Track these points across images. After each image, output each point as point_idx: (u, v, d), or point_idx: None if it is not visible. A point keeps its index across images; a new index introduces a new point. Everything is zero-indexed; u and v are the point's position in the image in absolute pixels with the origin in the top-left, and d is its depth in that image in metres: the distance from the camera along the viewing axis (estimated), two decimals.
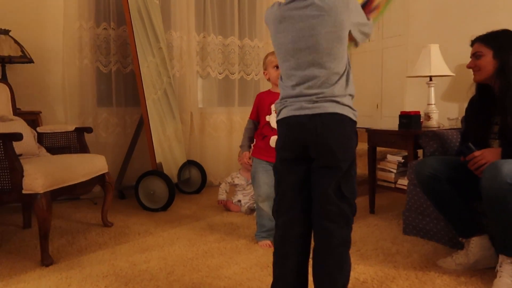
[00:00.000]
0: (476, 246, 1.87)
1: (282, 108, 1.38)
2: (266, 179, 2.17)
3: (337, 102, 1.31)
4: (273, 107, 2.15)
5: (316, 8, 1.29)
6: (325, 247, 1.35)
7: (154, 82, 3.22)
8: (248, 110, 3.97)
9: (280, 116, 1.39)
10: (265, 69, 2.24)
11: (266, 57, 2.23)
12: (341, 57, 1.32)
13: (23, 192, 1.98)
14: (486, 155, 1.78)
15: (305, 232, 1.42)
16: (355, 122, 1.36)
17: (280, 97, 1.40)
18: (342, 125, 1.32)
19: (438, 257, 2.00)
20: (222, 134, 3.94)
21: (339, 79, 1.32)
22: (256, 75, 4.07)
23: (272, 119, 2.18)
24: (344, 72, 1.33)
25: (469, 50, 1.99)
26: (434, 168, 1.96)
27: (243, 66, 4.02)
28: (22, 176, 1.98)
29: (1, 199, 2.04)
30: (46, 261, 1.99)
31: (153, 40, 3.32)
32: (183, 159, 3.54)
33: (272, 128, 2.18)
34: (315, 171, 1.36)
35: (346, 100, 1.33)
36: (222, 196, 3.01)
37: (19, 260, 2.06)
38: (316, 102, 1.31)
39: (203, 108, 3.93)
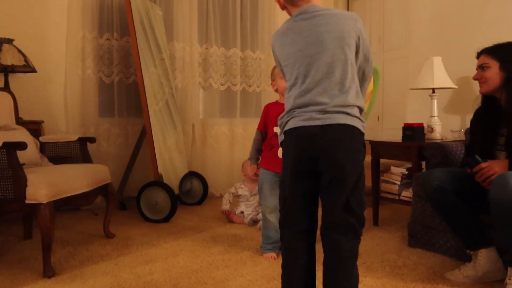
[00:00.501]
0: (484, 258, 1.86)
1: (290, 119, 1.36)
2: (274, 190, 2.15)
3: (347, 113, 1.30)
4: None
5: (324, 17, 1.31)
6: (334, 260, 1.34)
7: (155, 93, 3.22)
8: (249, 121, 4.03)
9: (288, 127, 1.35)
10: (273, 80, 2.24)
11: (274, 68, 2.23)
12: (350, 65, 1.31)
13: (26, 202, 1.95)
14: (494, 167, 1.78)
15: (311, 245, 1.42)
16: (363, 134, 1.35)
17: (286, 109, 1.37)
18: (353, 137, 1.31)
19: (445, 270, 1.98)
20: (224, 145, 3.93)
21: (349, 88, 1.31)
22: (257, 87, 4.08)
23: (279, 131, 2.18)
24: (353, 81, 1.33)
25: (470, 63, 2.00)
26: (441, 180, 1.96)
27: (245, 78, 4.04)
28: (26, 185, 1.96)
29: (3, 208, 2.01)
30: (49, 272, 1.96)
31: (155, 51, 3.33)
32: (185, 170, 3.52)
33: None
34: (323, 184, 1.34)
35: (356, 112, 1.32)
36: (226, 206, 2.99)
37: (20, 271, 2.03)
38: (327, 112, 1.29)
39: (205, 119, 3.93)
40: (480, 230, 1.91)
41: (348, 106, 1.30)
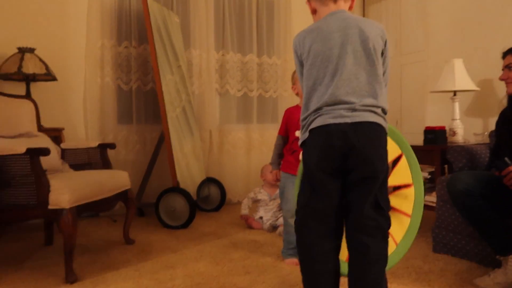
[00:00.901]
0: None
1: (317, 117, 1.33)
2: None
3: (375, 112, 1.32)
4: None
5: (354, 21, 1.35)
6: (363, 262, 1.30)
7: (172, 100, 3.23)
8: (266, 127, 4.02)
9: (316, 124, 1.32)
10: (293, 83, 2.23)
11: (295, 72, 2.22)
12: (376, 68, 1.32)
13: (49, 207, 1.97)
14: None
15: (337, 248, 1.39)
16: (386, 133, 1.37)
17: (312, 109, 1.35)
18: (381, 135, 1.33)
19: (473, 276, 1.92)
20: (241, 151, 3.92)
21: (375, 89, 1.32)
22: (274, 92, 4.08)
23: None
24: (379, 83, 1.33)
25: (492, 65, 1.97)
26: (467, 183, 1.91)
27: (262, 84, 4.03)
28: (49, 191, 1.97)
29: (26, 214, 2.03)
30: (71, 278, 1.96)
31: (172, 58, 3.36)
32: (202, 177, 3.51)
33: None
34: (353, 183, 1.32)
35: (381, 112, 1.34)
36: (245, 211, 2.98)
37: (42, 277, 2.03)
38: (355, 110, 1.29)
39: (222, 125, 3.93)
40: (510, 235, 1.85)
41: (374, 106, 1.32)
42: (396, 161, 1.66)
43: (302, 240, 1.39)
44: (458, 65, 2.91)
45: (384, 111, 1.35)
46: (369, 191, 1.30)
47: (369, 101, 1.30)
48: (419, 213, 1.67)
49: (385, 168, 1.32)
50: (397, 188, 1.69)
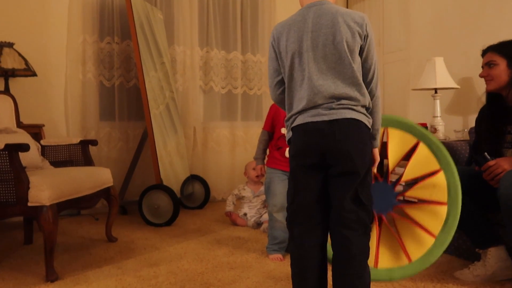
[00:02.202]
0: (494, 257, 1.84)
1: (298, 116, 1.36)
2: (282, 188, 2.13)
3: (353, 109, 1.32)
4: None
5: (328, 16, 1.33)
6: (345, 256, 1.32)
7: (156, 97, 3.20)
8: (250, 124, 4.01)
9: (296, 123, 1.36)
10: None
11: None
12: (352, 64, 1.31)
13: (29, 204, 1.92)
14: (502, 164, 1.77)
15: (323, 243, 1.40)
16: (369, 129, 1.37)
17: (295, 110, 1.37)
18: (359, 130, 1.33)
19: (454, 269, 1.96)
20: (225, 148, 3.91)
21: (353, 86, 1.32)
22: (258, 90, 4.07)
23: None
24: (357, 79, 1.32)
25: (471, 63, 2.00)
26: None
27: (246, 81, 4.03)
28: (28, 187, 1.93)
29: (5, 212, 1.98)
30: (51, 276, 1.92)
31: (155, 54, 3.32)
32: (186, 174, 3.49)
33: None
34: (333, 178, 1.34)
35: (360, 108, 1.34)
36: (230, 207, 2.98)
37: (22, 276, 1.99)
38: (333, 109, 1.31)
39: (206, 123, 3.91)
40: (489, 229, 1.89)
41: (352, 104, 1.32)
42: (412, 151, 1.59)
43: (291, 236, 1.41)
44: (439, 63, 2.96)
45: (366, 108, 1.36)
46: (349, 186, 1.31)
47: (346, 101, 1.31)
48: (456, 199, 1.57)
49: (366, 163, 1.33)
50: (420, 179, 1.60)
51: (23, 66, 2.91)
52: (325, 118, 1.30)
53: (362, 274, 1.31)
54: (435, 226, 1.58)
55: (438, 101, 2.97)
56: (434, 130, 2.90)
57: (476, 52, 2.05)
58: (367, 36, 1.33)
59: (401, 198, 1.68)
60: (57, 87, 3.32)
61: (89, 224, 3.02)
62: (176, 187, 3.19)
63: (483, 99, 2.10)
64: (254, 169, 2.84)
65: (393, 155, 1.61)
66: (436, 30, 3.42)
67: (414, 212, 1.61)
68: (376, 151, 1.44)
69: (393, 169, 1.64)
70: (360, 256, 1.31)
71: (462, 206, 1.90)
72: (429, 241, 1.59)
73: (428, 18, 3.50)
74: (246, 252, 2.30)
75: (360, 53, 1.34)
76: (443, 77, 2.92)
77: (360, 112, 1.33)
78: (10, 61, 2.84)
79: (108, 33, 3.47)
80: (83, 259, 2.22)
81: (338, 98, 1.31)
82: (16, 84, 3.10)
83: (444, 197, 1.58)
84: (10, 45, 2.93)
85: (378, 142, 1.43)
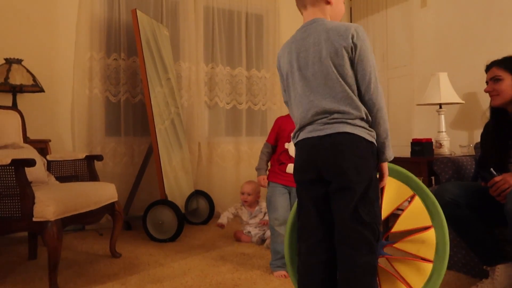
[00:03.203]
0: (502, 274, 1.81)
1: (300, 133, 1.39)
2: (283, 202, 2.14)
3: (348, 123, 1.29)
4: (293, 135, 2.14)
5: (317, 34, 1.34)
6: (348, 276, 1.28)
7: (161, 112, 3.22)
8: (255, 140, 4.02)
9: (297, 139, 1.39)
10: None
11: None
12: (342, 78, 1.30)
13: (34, 219, 1.93)
14: (509, 180, 1.75)
15: (328, 259, 1.36)
16: (371, 143, 1.31)
17: (297, 127, 1.40)
18: (353, 144, 1.28)
19: (462, 287, 1.93)
20: (230, 164, 3.91)
21: (346, 100, 1.29)
22: (263, 105, 4.10)
23: (290, 147, 2.16)
24: (350, 93, 1.30)
25: (476, 78, 2.00)
26: (454, 194, 1.92)
27: (251, 96, 4.05)
28: (34, 203, 1.94)
29: (10, 227, 1.98)
30: None
31: (161, 70, 3.36)
32: (190, 189, 3.49)
33: (290, 156, 2.16)
34: (332, 195, 1.32)
35: (358, 122, 1.30)
36: (223, 220, 2.93)
37: None
38: (327, 123, 1.30)
39: (211, 138, 3.92)
40: (496, 245, 1.86)
41: (347, 118, 1.29)
42: (409, 202, 1.58)
43: (298, 252, 1.40)
44: (443, 78, 2.97)
45: (364, 120, 1.31)
46: (347, 203, 1.27)
47: (339, 115, 1.29)
48: (443, 257, 1.54)
49: (362, 178, 1.28)
50: (413, 232, 1.58)
51: (31, 82, 2.95)
52: (319, 133, 1.30)
53: None
54: (418, 282, 1.55)
55: (443, 116, 2.98)
56: (440, 146, 2.89)
57: (480, 67, 2.05)
58: (356, 46, 1.28)
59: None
60: (64, 103, 3.36)
61: (93, 239, 3.01)
62: (180, 203, 3.19)
63: (488, 114, 2.09)
64: (242, 193, 2.92)
65: (387, 204, 1.58)
66: (440, 45, 3.44)
67: (399, 265, 1.57)
68: (384, 166, 1.39)
69: (385, 218, 1.60)
70: (365, 276, 1.27)
71: (468, 221, 1.89)
72: (427, 267, 1.56)
73: (432, 33, 3.52)
74: (250, 268, 2.28)
75: (352, 65, 1.30)
76: (447, 92, 2.93)
77: (357, 126, 1.29)
78: (18, 77, 2.88)
79: (115, 49, 3.52)
80: (87, 275, 2.21)
81: (330, 112, 1.30)
82: (23, 100, 3.14)
83: (431, 255, 1.56)
84: (19, 61, 2.98)
85: (387, 156, 1.36)
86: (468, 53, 3.18)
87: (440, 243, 1.55)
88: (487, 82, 1.97)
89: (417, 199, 1.57)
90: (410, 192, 1.57)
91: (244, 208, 2.95)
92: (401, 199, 1.58)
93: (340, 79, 1.30)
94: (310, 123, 1.34)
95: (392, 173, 1.54)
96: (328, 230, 1.35)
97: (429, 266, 1.55)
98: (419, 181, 1.57)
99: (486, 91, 1.97)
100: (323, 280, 1.35)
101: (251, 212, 2.92)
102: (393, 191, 1.57)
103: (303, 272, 1.38)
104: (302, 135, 1.36)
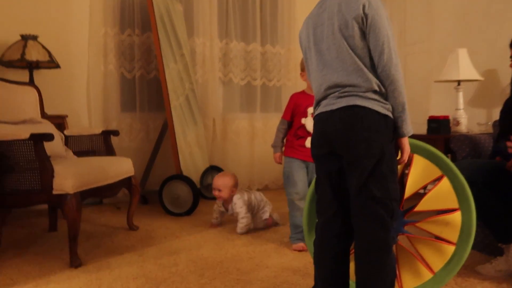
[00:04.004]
0: None
1: (317, 107, 1.40)
2: (302, 176, 2.15)
3: (359, 95, 1.27)
4: (309, 110, 2.13)
5: (331, 4, 1.33)
6: (360, 251, 1.30)
7: (175, 88, 3.23)
8: (269, 116, 4.01)
9: (315, 114, 1.41)
10: (302, 70, 2.20)
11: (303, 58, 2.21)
12: (355, 49, 1.28)
13: (53, 192, 1.98)
14: None
15: (343, 234, 1.37)
16: (384, 116, 1.27)
17: (315, 101, 1.41)
18: (364, 118, 1.26)
19: (475, 264, 1.93)
20: (244, 140, 3.93)
21: (359, 72, 1.27)
22: (278, 81, 4.07)
23: (308, 122, 2.15)
24: (363, 64, 1.28)
25: (497, 55, 1.95)
26: (470, 172, 1.89)
27: (265, 72, 4.02)
28: (53, 176, 1.98)
29: (31, 199, 2.04)
30: (75, 262, 1.97)
31: (175, 46, 3.34)
32: (205, 165, 3.52)
33: (308, 132, 2.15)
34: (346, 170, 1.32)
35: (370, 94, 1.27)
36: (214, 220, 2.69)
37: (47, 261, 2.05)
38: (340, 97, 1.29)
39: (225, 114, 3.93)
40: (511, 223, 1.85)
41: (358, 91, 1.27)
42: (435, 182, 1.55)
43: (316, 226, 1.43)
44: (463, 55, 2.89)
45: (376, 92, 1.27)
46: (358, 178, 1.26)
47: (351, 88, 1.28)
48: (467, 242, 1.52)
49: (373, 153, 1.25)
50: (437, 212, 1.57)
51: (47, 58, 2.97)
52: (331, 107, 1.30)
53: (379, 271, 1.26)
54: (437, 263, 1.54)
55: (461, 93, 2.92)
56: (457, 123, 2.84)
57: (501, 43, 2.00)
58: (367, 16, 1.25)
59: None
60: (79, 79, 3.39)
61: (111, 213, 3.08)
62: (195, 178, 3.23)
63: (507, 91, 2.05)
64: (213, 188, 2.59)
65: (413, 182, 1.55)
66: (460, 21, 3.34)
67: (419, 245, 1.56)
68: (403, 141, 1.33)
69: (409, 197, 1.58)
70: (377, 253, 1.27)
71: (483, 199, 1.87)
72: (426, 275, 1.55)
73: (452, 8, 3.41)
74: (265, 242, 2.32)
75: (365, 36, 1.27)
76: (466, 69, 2.86)
77: (370, 98, 1.26)
78: (34, 54, 2.91)
79: (129, 25, 3.51)
80: (106, 247, 2.28)
81: (342, 86, 1.29)
82: (40, 76, 3.17)
83: (454, 237, 1.53)
84: (34, 37, 2.99)
85: (404, 131, 1.30)
86: (489, 29, 3.08)
87: (466, 227, 1.52)
88: (511, 57, 1.91)
89: (445, 180, 1.53)
90: (438, 173, 1.53)
91: (223, 206, 2.64)
92: (428, 179, 1.54)
93: (351, 51, 1.28)
94: (324, 97, 1.34)
95: (421, 152, 1.52)
96: (343, 205, 1.36)
97: (450, 249, 1.53)
98: (449, 161, 1.52)
99: None
100: (337, 254, 1.37)
101: (227, 208, 2.61)
102: (420, 170, 1.54)
103: (319, 245, 1.40)
104: (318, 110, 1.37)
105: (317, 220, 1.43)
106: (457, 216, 1.53)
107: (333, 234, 1.37)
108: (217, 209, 2.68)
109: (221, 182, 2.57)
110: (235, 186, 2.59)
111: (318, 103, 1.39)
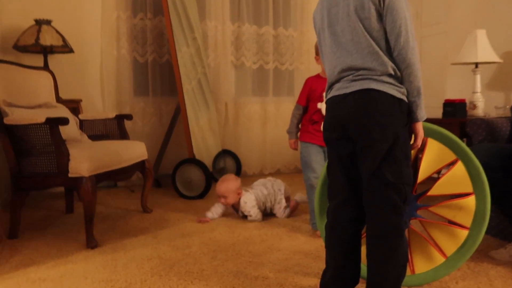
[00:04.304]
0: None
1: (330, 91, 1.38)
2: (320, 160, 2.15)
3: (373, 79, 1.25)
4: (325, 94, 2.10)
5: None
6: (373, 235, 1.29)
7: (188, 73, 3.22)
8: (282, 100, 3.99)
9: (327, 97, 1.39)
10: (316, 53, 2.17)
11: None
12: (370, 32, 1.25)
13: (69, 175, 2.02)
14: None
15: (354, 218, 1.37)
16: (399, 100, 1.26)
17: (328, 84, 1.39)
18: (379, 102, 1.24)
19: (489, 248, 1.91)
20: (256, 124, 3.93)
21: (373, 55, 1.25)
22: (290, 65, 4.03)
23: (323, 107, 2.13)
24: (377, 48, 1.25)
25: None
26: (486, 156, 1.86)
27: (278, 56, 3.99)
28: (68, 159, 2.02)
29: (48, 182, 2.09)
30: (91, 243, 2.02)
31: (187, 30, 3.33)
32: (218, 149, 3.54)
33: (323, 116, 2.13)
34: (358, 154, 1.31)
35: (385, 78, 1.25)
36: (208, 214, 2.49)
37: (65, 242, 2.11)
38: (354, 80, 1.27)
39: (237, 98, 3.92)
40: None
41: (373, 74, 1.25)
42: (449, 166, 1.53)
43: (328, 210, 1.43)
44: (481, 36, 2.81)
45: (392, 76, 1.25)
46: (371, 162, 1.25)
47: (365, 71, 1.26)
48: (481, 226, 1.49)
49: (387, 137, 1.24)
50: (451, 197, 1.55)
51: (61, 42, 2.99)
52: (345, 91, 1.29)
53: (391, 256, 1.26)
54: (450, 248, 1.53)
55: (478, 76, 2.85)
56: (474, 107, 2.79)
57: None
58: None
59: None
60: (92, 63, 3.41)
61: (125, 196, 3.14)
62: (208, 162, 3.25)
63: None
64: (218, 196, 2.46)
65: (426, 167, 1.53)
66: (478, 1, 3.24)
67: (432, 229, 1.54)
68: (418, 126, 1.31)
69: (422, 181, 1.55)
70: (389, 237, 1.26)
71: (500, 184, 1.84)
72: (439, 260, 1.54)
73: None
74: (277, 226, 2.34)
75: (381, 18, 1.24)
76: (484, 51, 2.79)
77: (384, 82, 1.24)
78: (48, 38, 2.93)
79: (141, 9, 3.50)
80: (120, 229, 2.32)
81: (356, 69, 1.27)
82: (54, 61, 3.20)
83: (468, 222, 1.51)
84: (48, 22, 3.01)
85: (418, 116, 1.28)
86: (509, 9, 2.98)
87: (480, 211, 1.50)
88: None
89: (459, 164, 1.51)
90: (452, 157, 1.51)
91: (232, 207, 2.54)
92: (442, 163, 1.52)
93: (366, 34, 1.25)
94: (337, 80, 1.33)
95: (436, 135, 1.50)
96: (354, 189, 1.36)
97: (464, 233, 1.52)
98: (464, 145, 1.50)
99: None
100: (349, 238, 1.37)
101: (237, 210, 2.51)
102: (434, 154, 1.52)
103: (330, 229, 1.41)
104: (331, 94, 1.36)
105: (328, 204, 1.43)
106: (471, 201, 1.51)
107: (344, 218, 1.37)
108: (218, 211, 2.50)
109: (224, 189, 2.43)
110: (240, 188, 2.46)
111: (330, 86, 1.37)
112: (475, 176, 1.51)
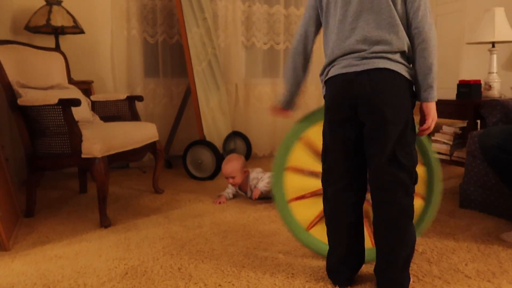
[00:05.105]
0: None
1: (330, 69, 1.31)
2: None
3: (387, 58, 1.22)
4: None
5: None
6: (384, 219, 1.29)
7: (198, 54, 3.20)
8: None
9: (328, 76, 1.32)
10: None
11: None
12: (389, 8, 1.22)
13: (82, 156, 2.05)
14: None
15: (357, 202, 1.37)
16: (409, 81, 1.25)
17: (327, 61, 1.32)
18: (394, 82, 1.22)
19: (500, 231, 1.91)
20: (267, 105, 3.90)
21: (390, 32, 1.22)
22: None
23: None
24: (395, 25, 1.22)
25: None
26: (500, 138, 1.84)
27: (289, 36, 3.93)
28: (81, 140, 2.04)
29: (61, 162, 2.12)
30: (105, 222, 2.06)
31: (197, 10, 3.29)
32: (228, 130, 3.54)
33: None
34: (367, 136, 1.27)
35: (398, 57, 1.23)
36: (223, 195, 2.52)
37: (79, 221, 2.15)
38: (365, 58, 1.23)
39: (248, 79, 3.89)
40: None
41: (387, 51, 1.22)
42: None
43: (325, 196, 1.41)
44: (499, 14, 2.73)
45: (404, 54, 1.24)
46: (383, 144, 1.23)
47: (380, 47, 1.21)
48: (432, 196, 1.50)
49: (401, 119, 1.22)
50: None
51: (72, 23, 2.99)
52: (356, 69, 1.23)
53: (403, 237, 1.27)
54: None
55: (495, 56, 2.78)
56: (489, 88, 2.73)
57: None
58: None
59: None
60: (103, 44, 3.40)
61: (137, 176, 3.18)
62: (218, 143, 3.26)
63: None
64: (226, 177, 2.48)
65: None
66: None
67: None
68: (431, 106, 1.27)
69: None
70: (401, 219, 1.27)
71: (510, 166, 1.81)
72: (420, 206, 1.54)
73: None
74: None
75: None
76: (502, 30, 2.71)
77: (397, 62, 1.22)
78: (59, 19, 2.92)
79: None
80: (133, 208, 2.36)
81: (370, 42, 1.22)
82: (65, 42, 3.21)
83: (423, 192, 1.51)
84: (59, 2, 3.00)
85: (430, 94, 1.25)
86: None
87: (430, 182, 1.50)
88: None
89: None
90: None
91: (239, 190, 2.55)
92: None
93: (390, 2, 1.21)
94: (344, 54, 1.26)
95: None
96: (356, 174, 1.34)
97: (420, 202, 1.51)
98: None
99: None
100: (352, 224, 1.37)
101: (245, 191, 2.52)
102: None
103: (331, 216, 1.39)
104: (335, 71, 1.28)
105: (324, 190, 1.40)
106: (423, 172, 1.49)
107: (347, 204, 1.35)
108: (230, 192, 2.53)
109: (230, 169, 2.44)
110: (245, 166, 2.48)
111: (332, 63, 1.30)
112: (421, 149, 1.47)
